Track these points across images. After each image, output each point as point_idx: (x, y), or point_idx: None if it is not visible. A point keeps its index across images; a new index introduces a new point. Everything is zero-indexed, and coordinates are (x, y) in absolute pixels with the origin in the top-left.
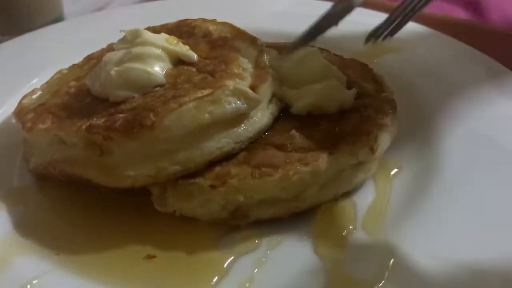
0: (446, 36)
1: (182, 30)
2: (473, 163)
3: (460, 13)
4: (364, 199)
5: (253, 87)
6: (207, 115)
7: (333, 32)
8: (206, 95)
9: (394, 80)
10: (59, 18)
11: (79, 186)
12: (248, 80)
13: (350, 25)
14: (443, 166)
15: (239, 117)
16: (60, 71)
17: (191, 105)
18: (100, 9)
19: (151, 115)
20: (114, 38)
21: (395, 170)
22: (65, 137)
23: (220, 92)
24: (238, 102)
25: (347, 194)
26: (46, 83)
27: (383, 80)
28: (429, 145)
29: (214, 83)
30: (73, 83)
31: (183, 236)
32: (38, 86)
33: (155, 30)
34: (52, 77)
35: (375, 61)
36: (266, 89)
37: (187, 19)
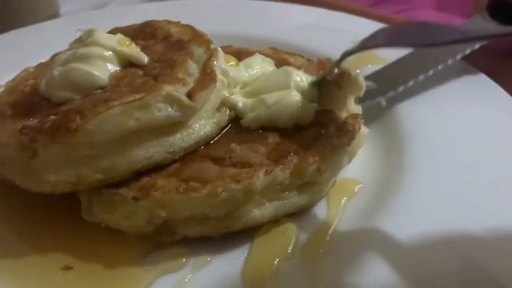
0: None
1: (145, 31)
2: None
3: None
4: (312, 222)
5: (190, 94)
6: (133, 121)
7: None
8: (134, 100)
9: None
10: (54, 17)
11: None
12: (190, 86)
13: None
14: (400, 195)
15: (174, 125)
16: (26, 69)
17: (117, 109)
18: (96, 9)
19: (78, 118)
20: None
21: (352, 191)
22: (1, 136)
23: (150, 98)
24: (170, 109)
25: (294, 215)
26: (12, 80)
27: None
28: (395, 168)
29: (152, 88)
30: (31, 81)
31: (107, 249)
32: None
33: (121, 30)
34: (18, 74)
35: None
36: (205, 97)
37: (152, 20)
